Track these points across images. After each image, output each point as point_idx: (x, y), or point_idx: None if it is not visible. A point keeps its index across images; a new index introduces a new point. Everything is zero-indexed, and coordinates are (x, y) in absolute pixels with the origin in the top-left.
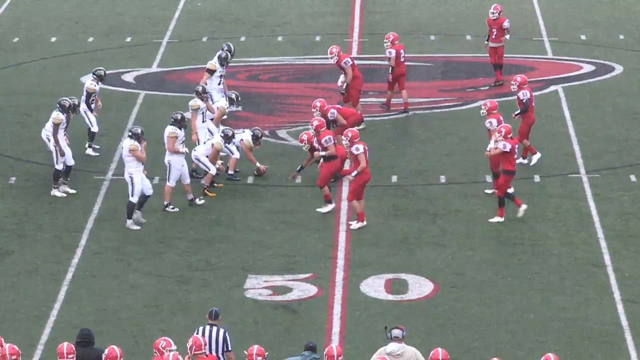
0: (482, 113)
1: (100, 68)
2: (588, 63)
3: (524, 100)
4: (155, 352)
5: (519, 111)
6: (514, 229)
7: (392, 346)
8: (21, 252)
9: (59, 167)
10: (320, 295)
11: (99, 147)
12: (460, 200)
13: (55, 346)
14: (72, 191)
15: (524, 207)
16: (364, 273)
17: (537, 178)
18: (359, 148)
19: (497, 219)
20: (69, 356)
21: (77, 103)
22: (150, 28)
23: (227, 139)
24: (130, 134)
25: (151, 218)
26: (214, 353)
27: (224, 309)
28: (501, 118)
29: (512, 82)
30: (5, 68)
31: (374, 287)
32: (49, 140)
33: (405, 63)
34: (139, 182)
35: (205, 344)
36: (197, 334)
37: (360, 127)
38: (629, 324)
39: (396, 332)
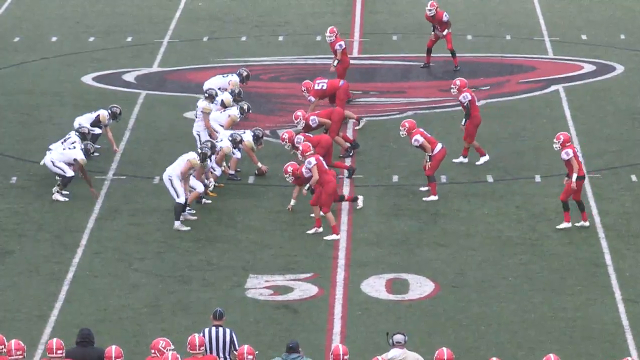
0: (402, 134)
1: (117, 106)
2: (589, 63)
3: (465, 104)
4: (154, 352)
5: (464, 121)
6: (514, 229)
7: (394, 352)
8: (22, 252)
9: (70, 173)
10: (321, 295)
11: (99, 146)
12: (461, 200)
13: None
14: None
15: (566, 224)
16: (364, 273)
17: (537, 178)
18: (310, 162)
19: (564, 224)
20: (59, 352)
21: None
22: (151, 28)
23: (235, 143)
24: (200, 151)
25: (152, 218)
26: (220, 354)
27: (224, 309)
28: (425, 132)
29: (452, 86)
30: (6, 67)
31: (374, 286)
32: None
33: (407, 63)
34: (179, 184)
35: (202, 344)
36: (202, 335)
37: (360, 126)
38: (629, 324)
39: (398, 338)
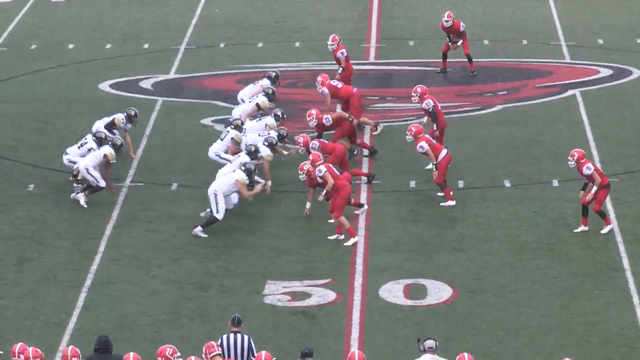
0: (409, 139)
1: (132, 108)
2: (606, 67)
3: (429, 110)
4: None
5: (435, 126)
6: (532, 233)
7: (426, 357)
8: (40, 259)
9: (102, 184)
10: (339, 301)
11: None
12: (478, 205)
13: None
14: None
15: (608, 227)
16: (382, 278)
17: (555, 183)
18: (321, 170)
19: (582, 227)
20: (73, 359)
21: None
22: (167, 34)
23: (252, 154)
24: (243, 168)
25: (169, 225)
26: (239, 358)
27: (242, 315)
28: (431, 139)
29: (413, 94)
30: (23, 75)
31: (392, 292)
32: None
33: (424, 68)
34: (223, 201)
35: (217, 346)
36: (221, 341)
37: (377, 132)
38: None
39: (430, 343)
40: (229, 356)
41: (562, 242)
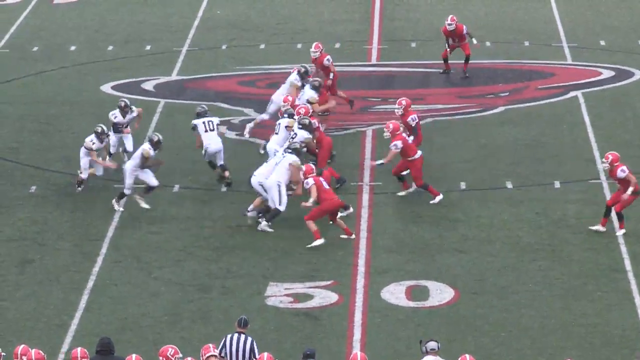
0: (386, 136)
1: (156, 134)
2: (607, 69)
3: (413, 125)
4: None
5: (411, 138)
6: (534, 235)
7: (428, 359)
8: (42, 261)
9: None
10: (341, 303)
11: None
12: (480, 207)
13: None
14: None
15: (622, 231)
16: (384, 280)
17: (557, 184)
18: (308, 182)
19: (598, 227)
20: None
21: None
22: (169, 36)
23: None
24: (290, 150)
25: (171, 226)
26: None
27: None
28: (407, 138)
29: (397, 106)
30: (25, 77)
31: (394, 293)
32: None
33: (425, 70)
34: (285, 192)
35: (213, 348)
36: (225, 341)
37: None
38: None
39: (432, 345)
40: (231, 356)
41: (564, 243)
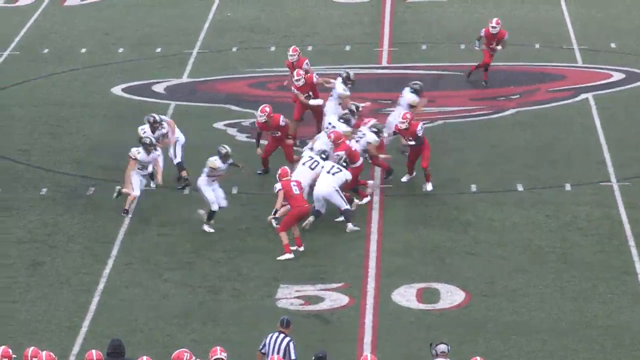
0: (329, 146)
1: (224, 146)
2: (618, 71)
3: (419, 135)
4: None
5: (413, 142)
6: (545, 238)
7: None
8: (53, 263)
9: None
10: (351, 305)
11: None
12: (491, 209)
13: None
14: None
15: None
16: (395, 282)
17: (568, 187)
18: (276, 187)
19: None
20: None
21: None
22: (180, 39)
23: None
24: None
25: (182, 229)
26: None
27: (255, 319)
28: (351, 147)
29: (402, 120)
30: (36, 79)
31: (405, 296)
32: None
33: (436, 72)
34: (342, 193)
35: (221, 351)
36: (266, 340)
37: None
38: None
39: (442, 347)
40: (269, 354)
41: (575, 246)
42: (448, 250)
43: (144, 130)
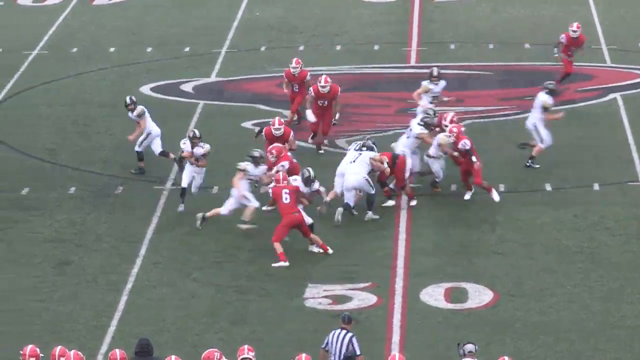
0: (272, 159)
1: (256, 150)
2: None
3: (464, 150)
4: None
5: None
6: (573, 237)
7: None
8: (80, 262)
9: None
10: (380, 304)
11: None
12: (519, 209)
13: None
14: None
15: None
16: (423, 282)
17: (596, 186)
18: (270, 191)
19: None
20: None
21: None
22: (208, 38)
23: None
24: (365, 147)
25: (210, 228)
26: (337, 355)
27: (283, 318)
28: (294, 160)
29: (449, 134)
30: (64, 78)
31: (433, 295)
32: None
33: (465, 72)
34: (370, 180)
35: (248, 350)
36: (329, 336)
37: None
38: None
39: (469, 347)
40: (332, 350)
41: (603, 246)
42: (476, 250)
43: (185, 142)
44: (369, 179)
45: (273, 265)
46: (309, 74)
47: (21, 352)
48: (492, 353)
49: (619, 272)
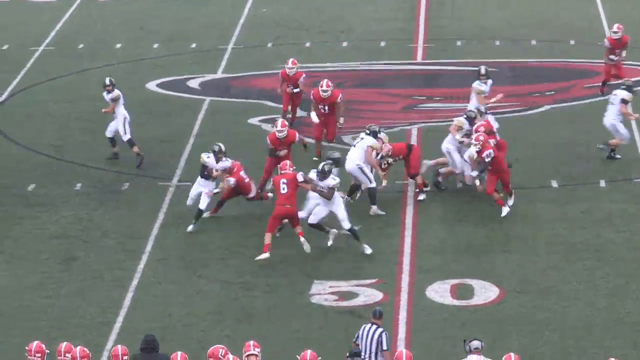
0: (216, 173)
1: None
2: None
3: (487, 160)
4: None
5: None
6: (579, 234)
7: (472, 358)
8: (86, 258)
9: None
10: (385, 301)
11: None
12: (526, 206)
13: None
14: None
15: None
16: (429, 278)
17: (602, 183)
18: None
19: None
20: (124, 358)
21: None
22: (215, 34)
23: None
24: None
25: (216, 224)
26: (368, 350)
27: (288, 315)
28: (241, 175)
29: (475, 142)
30: (70, 74)
31: (439, 292)
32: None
33: (471, 68)
34: (368, 170)
35: (254, 346)
36: (359, 331)
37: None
38: None
39: (476, 344)
40: (363, 345)
41: (609, 242)
42: (482, 246)
43: (209, 156)
44: (364, 168)
45: (256, 258)
46: (303, 74)
47: (27, 348)
48: (498, 350)
49: (625, 269)
